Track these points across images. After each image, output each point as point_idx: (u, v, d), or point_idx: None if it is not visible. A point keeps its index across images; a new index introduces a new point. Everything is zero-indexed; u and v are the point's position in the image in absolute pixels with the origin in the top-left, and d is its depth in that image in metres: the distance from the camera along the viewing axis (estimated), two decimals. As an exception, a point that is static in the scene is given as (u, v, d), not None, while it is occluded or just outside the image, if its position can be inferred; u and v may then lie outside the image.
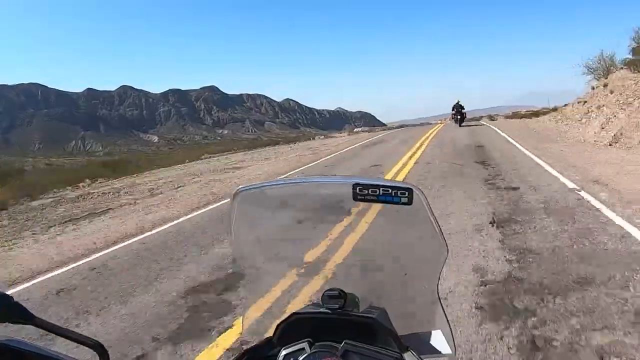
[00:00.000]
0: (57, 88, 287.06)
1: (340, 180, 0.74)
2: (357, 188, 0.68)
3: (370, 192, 0.68)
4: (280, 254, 0.85)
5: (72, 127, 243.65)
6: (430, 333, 0.78)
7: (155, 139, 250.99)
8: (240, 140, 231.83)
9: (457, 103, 24.07)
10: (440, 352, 0.77)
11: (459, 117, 23.45)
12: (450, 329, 0.76)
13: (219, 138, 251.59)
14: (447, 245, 0.70)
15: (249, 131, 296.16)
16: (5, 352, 0.63)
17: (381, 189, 0.68)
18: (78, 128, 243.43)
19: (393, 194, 0.67)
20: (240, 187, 0.76)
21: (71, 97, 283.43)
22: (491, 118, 50.88)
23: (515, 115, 61.74)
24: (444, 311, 0.76)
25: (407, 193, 0.67)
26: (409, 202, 0.67)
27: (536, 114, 43.26)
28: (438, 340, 0.77)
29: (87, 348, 0.67)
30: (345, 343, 0.69)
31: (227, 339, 2.97)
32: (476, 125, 27.02)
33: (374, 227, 0.79)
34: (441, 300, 0.75)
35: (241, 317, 0.80)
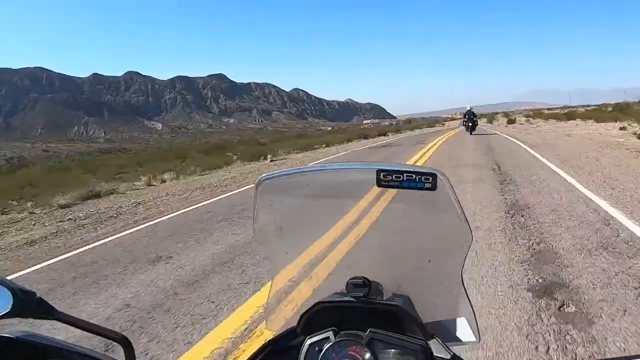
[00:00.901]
0: (62, 73, 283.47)
1: (364, 167, 0.74)
2: (381, 174, 0.69)
3: (394, 177, 0.69)
4: (303, 241, 0.85)
5: (76, 113, 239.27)
6: (454, 320, 0.79)
7: (159, 126, 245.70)
8: (246, 130, 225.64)
9: (469, 110, 23.49)
10: (464, 340, 0.78)
11: (470, 124, 23.05)
12: (475, 316, 0.77)
13: (224, 127, 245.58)
14: (471, 232, 0.71)
15: (255, 120, 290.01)
16: (27, 347, 0.66)
17: (405, 174, 0.68)
18: (81, 114, 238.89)
19: (417, 180, 0.68)
20: (262, 175, 0.77)
21: (76, 82, 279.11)
22: (510, 120, 43.57)
23: (538, 115, 51.86)
24: (468, 298, 0.76)
25: (430, 178, 0.67)
26: (433, 188, 0.68)
27: (570, 114, 35.34)
28: (462, 327, 0.78)
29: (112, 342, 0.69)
30: (370, 331, 0.70)
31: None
32: (491, 135, 23.05)
33: (396, 213, 0.81)
34: (465, 288, 0.76)
35: (265, 311, 0.83)
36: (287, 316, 0.79)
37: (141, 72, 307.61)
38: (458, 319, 0.78)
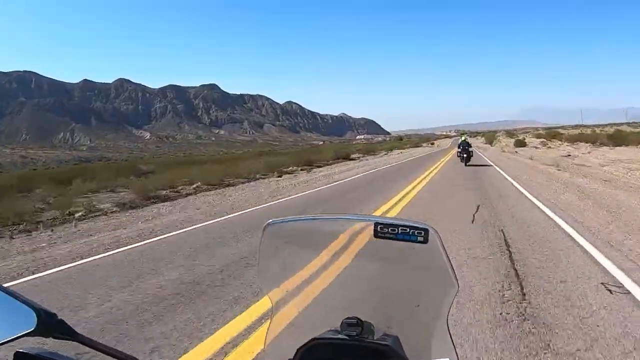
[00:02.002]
0: (52, 77, 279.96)
1: (364, 219, 0.82)
2: (378, 227, 0.76)
3: (389, 230, 0.75)
4: (302, 282, 0.92)
5: (62, 119, 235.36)
6: None
7: (147, 135, 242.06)
8: (235, 142, 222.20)
9: (464, 140, 22.33)
10: None
11: (464, 155, 21.53)
12: (458, 357, 0.82)
13: (213, 139, 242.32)
14: (457, 282, 0.77)
15: (247, 132, 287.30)
16: None
17: (400, 228, 0.75)
18: (68, 120, 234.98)
19: (410, 233, 0.74)
20: (269, 220, 0.83)
21: (66, 87, 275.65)
22: (519, 142, 38.66)
23: (554, 135, 42.32)
24: (452, 342, 0.81)
25: (423, 233, 0.74)
26: (425, 241, 0.74)
27: (619, 137, 26.29)
28: None
29: None
30: None
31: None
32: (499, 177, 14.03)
33: (390, 260, 0.87)
34: (450, 332, 0.82)
35: (264, 345, 0.89)
36: (284, 351, 0.84)
37: (132, 80, 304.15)
38: None
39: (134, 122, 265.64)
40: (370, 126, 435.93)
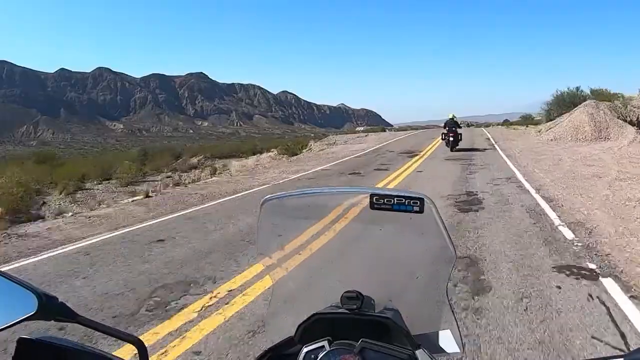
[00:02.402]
0: (27, 67, 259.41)
1: (359, 190, 0.81)
2: (374, 198, 0.75)
3: (385, 201, 0.74)
4: (301, 256, 0.92)
5: (28, 111, 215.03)
6: (439, 333, 0.84)
7: (120, 127, 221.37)
8: (211, 135, 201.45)
9: (451, 119, 18.05)
10: (449, 351, 0.83)
11: (451, 138, 17.40)
12: (459, 329, 0.82)
13: (191, 131, 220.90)
14: (455, 251, 0.76)
15: (233, 124, 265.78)
16: (46, 348, 0.69)
17: (395, 198, 0.74)
18: (34, 112, 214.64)
19: (406, 203, 0.73)
20: (266, 197, 0.83)
21: (40, 77, 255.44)
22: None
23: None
24: (452, 312, 0.81)
25: (419, 202, 0.73)
26: (421, 211, 0.73)
27: None
28: (447, 339, 0.83)
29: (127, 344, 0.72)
30: (362, 341, 0.74)
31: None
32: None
33: (387, 232, 0.86)
34: (450, 302, 0.81)
35: (264, 321, 0.88)
36: (285, 326, 0.83)
37: (112, 69, 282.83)
38: (443, 331, 0.83)
39: (110, 113, 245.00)
40: (370, 117, 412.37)
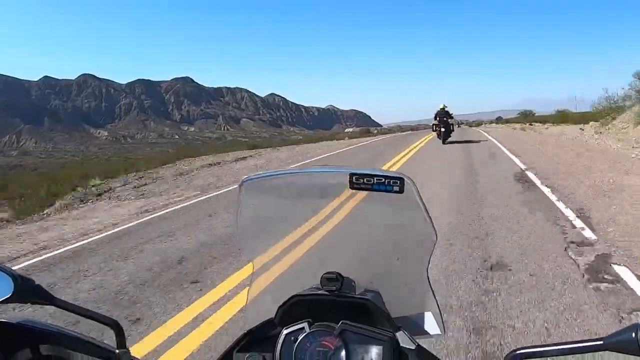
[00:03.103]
0: (11, 75, 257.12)
1: (338, 170, 0.81)
2: (354, 177, 0.75)
3: (365, 181, 0.74)
4: (281, 238, 0.92)
5: (11, 120, 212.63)
6: (421, 315, 0.84)
7: (105, 135, 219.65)
8: (196, 140, 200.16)
9: (442, 109, 17.11)
10: (431, 333, 0.83)
11: (442, 129, 16.63)
12: (440, 311, 0.82)
13: (177, 136, 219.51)
14: (435, 232, 0.76)
15: (221, 128, 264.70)
16: (24, 332, 0.70)
17: (375, 178, 0.74)
18: (17, 121, 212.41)
19: (386, 183, 0.73)
20: (245, 176, 0.83)
21: (23, 85, 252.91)
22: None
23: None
24: (433, 294, 0.81)
25: (399, 182, 0.73)
26: (401, 191, 0.73)
27: None
28: (429, 321, 0.83)
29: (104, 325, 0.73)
30: (342, 323, 0.74)
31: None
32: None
33: (367, 213, 0.86)
34: (431, 284, 0.81)
35: (245, 304, 0.89)
36: (265, 308, 0.83)
37: (97, 75, 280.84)
38: (425, 313, 0.83)
39: (95, 121, 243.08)
40: (360, 118, 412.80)
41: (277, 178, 0.88)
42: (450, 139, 17.38)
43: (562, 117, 32.65)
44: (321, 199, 0.92)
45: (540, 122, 35.49)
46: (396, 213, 0.80)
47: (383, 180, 0.73)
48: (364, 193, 0.76)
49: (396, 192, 0.73)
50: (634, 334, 0.51)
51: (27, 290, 0.68)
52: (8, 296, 0.67)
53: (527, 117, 49.00)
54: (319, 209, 0.92)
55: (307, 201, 0.93)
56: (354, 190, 0.76)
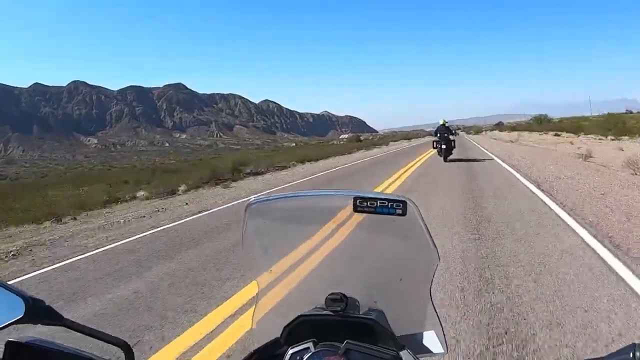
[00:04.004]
0: (1, 83, 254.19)
1: (343, 193, 0.84)
2: (357, 201, 0.77)
3: (368, 204, 0.76)
4: (286, 259, 0.95)
5: (1, 127, 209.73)
6: (424, 334, 0.86)
7: (94, 142, 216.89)
8: (186, 148, 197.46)
9: (442, 125, 16.30)
10: (434, 351, 0.85)
11: (443, 146, 15.55)
12: (443, 329, 0.84)
13: (167, 144, 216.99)
14: (438, 253, 0.79)
15: (213, 135, 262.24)
16: (35, 351, 0.71)
17: (378, 201, 0.76)
18: (7, 129, 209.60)
19: (389, 206, 0.75)
20: (251, 199, 0.86)
21: (13, 92, 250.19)
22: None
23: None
24: (436, 313, 0.83)
25: (401, 205, 0.75)
26: (404, 214, 0.75)
27: None
28: (431, 340, 0.85)
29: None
30: (346, 342, 0.75)
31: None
32: None
33: (371, 234, 0.89)
34: (434, 303, 0.83)
35: (251, 325, 0.92)
36: (271, 328, 0.85)
37: (88, 82, 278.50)
38: (427, 332, 0.85)
39: (85, 128, 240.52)
40: (355, 124, 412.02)
41: (282, 201, 0.89)
42: (451, 157, 16.03)
43: (578, 126, 30.19)
44: (325, 221, 0.92)
45: (558, 130, 30.38)
46: (399, 235, 0.81)
47: (386, 203, 0.75)
48: (367, 215, 0.77)
49: (399, 215, 0.75)
50: (631, 354, 0.53)
51: (38, 311, 0.70)
52: (19, 317, 0.69)
53: (541, 124, 43.10)
54: (323, 231, 0.94)
55: (312, 224, 0.93)
56: (357, 213, 0.77)
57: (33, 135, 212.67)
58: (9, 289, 0.69)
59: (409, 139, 66.81)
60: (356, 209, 0.77)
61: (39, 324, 0.71)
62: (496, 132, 65.93)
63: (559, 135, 27.21)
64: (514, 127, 58.56)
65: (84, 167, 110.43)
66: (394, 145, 41.86)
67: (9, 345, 0.69)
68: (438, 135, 16.20)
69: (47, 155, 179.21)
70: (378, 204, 0.76)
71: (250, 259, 0.92)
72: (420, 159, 18.20)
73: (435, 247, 0.77)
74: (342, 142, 65.71)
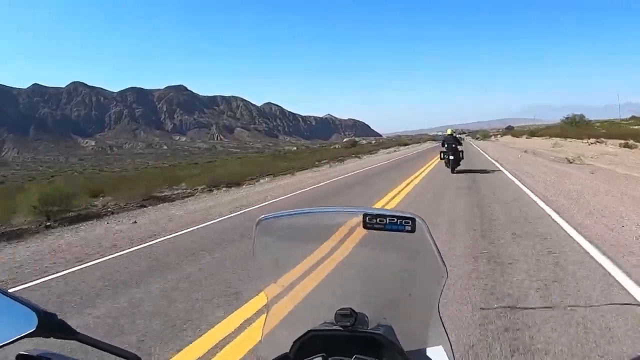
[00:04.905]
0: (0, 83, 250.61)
1: (352, 210, 0.84)
2: (367, 218, 0.77)
3: (378, 221, 0.76)
4: (296, 274, 0.95)
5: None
6: (433, 348, 0.86)
7: (92, 144, 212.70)
8: (184, 151, 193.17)
9: (450, 135, 15.80)
10: None
11: (451, 157, 15.04)
12: (451, 345, 0.83)
13: (165, 147, 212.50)
14: (446, 269, 0.79)
15: (214, 138, 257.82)
16: None
17: (388, 218, 0.76)
18: (2, 130, 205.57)
19: (398, 223, 0.75)
20: (262, 216, 0.86)
21: (12, 92, 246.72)
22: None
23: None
24: (444, 328, 0.83)
25: (410, 222, 0.75)
26: (412, 230, 0.75)
27: None
28: (439, 355, 0.85)
29: None
30: (355, 357, 0.75)
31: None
32: None
33: (380, 251, 0.89)
34: (442, 319, 0.83)
35: (260, 339, 0.92)
36: (281, 342, 0.85)
37: (88, 83, 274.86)
38: (435, 348, 0.85)
39: (83, 129, 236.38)
40: (359, 128, 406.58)
41: (292, 217, 0.88)
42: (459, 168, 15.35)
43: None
44: (334, 238, 0.92)
45: (600, 137, 23.69)
46: (408, 251, 0.81)
47: (395, 220, 0.75)
48: (376, 232, 0.77)
49: (408, 231, 0.75)
50: None
51: (50, 324, 0.69)
52: (32, 330, 0.68)
53: (577, 125, 35.24)
54: (332, 247, 0.94)
55: (321, 240, 0.93)
56: (367, 230, 0.77)
57: (30, 137, 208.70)
58: (22, 301, 0.69)
59: (405, 145, 61.72)
60: (366, 226, 0.77)
61: (51, 338, 0.70)
62: (508, 137, 59.07)
63: (629, 147, 17.83)
64: (532, 132, 51.89)
65: (74, 170, 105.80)
66: (384, 155, 37.21)
67: (20, 358, 0.69)
68: (445, 145, 15.65)
69: (40, 157, 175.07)
70: (387, 220, 0.76)
71: (262, 275, 0.92)
72: (421, 172, 16.68)
73: (444, 263, 0.77)
74: (336, 147, 60.85)
